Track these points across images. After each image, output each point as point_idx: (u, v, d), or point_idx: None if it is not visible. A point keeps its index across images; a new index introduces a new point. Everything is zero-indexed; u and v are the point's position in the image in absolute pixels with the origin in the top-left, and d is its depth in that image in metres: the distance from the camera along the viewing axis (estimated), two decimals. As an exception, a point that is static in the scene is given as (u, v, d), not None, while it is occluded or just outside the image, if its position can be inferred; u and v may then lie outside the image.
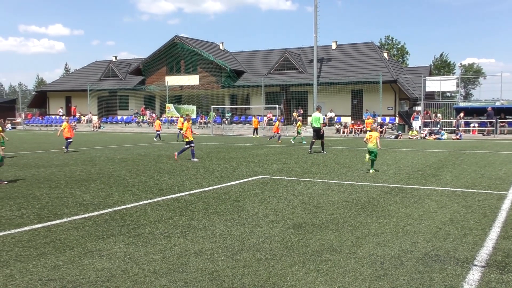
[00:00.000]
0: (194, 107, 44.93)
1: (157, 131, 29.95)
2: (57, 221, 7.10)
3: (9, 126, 51.79)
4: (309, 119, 41.71)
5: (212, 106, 41.01)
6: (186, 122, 16.39)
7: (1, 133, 15.51)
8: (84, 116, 52.60)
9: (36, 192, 9.65)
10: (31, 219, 7.27)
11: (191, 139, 16.05)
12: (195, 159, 15.84)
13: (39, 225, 6.85)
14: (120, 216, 7.46)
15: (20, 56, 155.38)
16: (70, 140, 20.17)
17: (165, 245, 5.83)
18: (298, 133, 28.05)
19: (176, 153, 16.41)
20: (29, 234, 6.39)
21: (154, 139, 28.99)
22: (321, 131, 19.21)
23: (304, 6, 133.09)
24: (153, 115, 48.87)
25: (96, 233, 6.42)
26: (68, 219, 7.26)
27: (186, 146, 16.14)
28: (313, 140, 19.42)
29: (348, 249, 5.68)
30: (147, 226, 6.81)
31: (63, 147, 20.04)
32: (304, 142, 25.98)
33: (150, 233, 6.39)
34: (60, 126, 23.52)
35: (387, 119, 38.79)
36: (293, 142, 26.51)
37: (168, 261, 5.24)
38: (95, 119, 51.57)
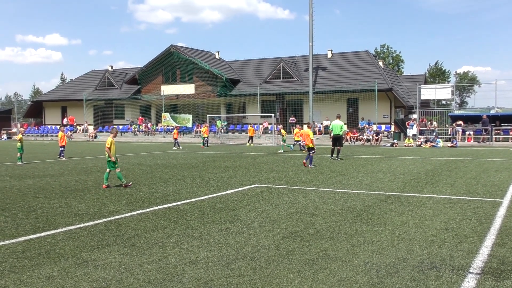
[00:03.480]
0: (190, 116, 44.96)
1: (175, 139, 31.26)
2: (52, 232, 7.07)
3: (4, 136, 51.66)
4: (305, 127, 41.91)
5: (208, 115, 41.05)
6: (309, 129, 17.64)
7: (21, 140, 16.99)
8: (80, 126, 52.53)
9: (31, 203, 9.61)
10: (26, 229, 7.24)
11: (312, 146, 16.83)
12: (312, 166, 16.48)
13: (34, 236, 6.82)
14: (115, 226, 7.44)
15: (17, 66, 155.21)
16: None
17: (160, 255, 5.81)
18: (283, 141, 28.71)
19: (305, 160, 16.81)
20: (23, 244, 6.36)
21: (173, 147, 30.33)
22: (343, 138, 20.07)
23: (302, 15, 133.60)
24: (149, 124, 48.85)
25: (91, 243, 6.40)
26: (63, 229, 7.23)
27: (310, 153, 16.77)
28: (333, 147, 20.00)
29: (343, 257, 5.67)
30: (142, 235, 6.79)
31: (61, 157, 21.54)
32: (291, 148, 27.55)
33: (145, 243, 6.38)
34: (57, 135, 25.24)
35: (383, 127, 38.91)
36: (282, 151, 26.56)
37: (163, 270, 5.22)
38: (91, 128, 51.49)
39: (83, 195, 10.57)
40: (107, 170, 11.88)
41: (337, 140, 19.95)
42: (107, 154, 11.86)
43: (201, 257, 5.71)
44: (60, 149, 21.67)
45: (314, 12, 38.98)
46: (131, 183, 11.76)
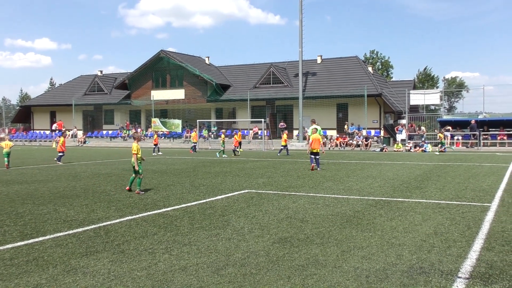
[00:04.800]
0: (179, 122, 44.86)
1: (155, 144, 30.62)
2: (40, 238, 7.00)
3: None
4: (295, 132, 42.01)
5: (198, 121, 41.01)
6: (313, 133, 18.30)
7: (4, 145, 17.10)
8: (69, 131, 52.13)
9: (19, 209, 9.51)
10: (14, 236, 7.16)
11: (317, 151, 17.61)
12: (319, 168, 17.38)
13: (22, 243, 6.75)
14: (105, 232, 7.39)
15: (5, 70, 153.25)
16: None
17: (150, 261, 5.78)
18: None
19: (317, 168, 17.38)
20: (11, 252, 6.29)
21: (159, 153, 29.76)
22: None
23: (293, 20, 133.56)
24: (139, 129, 48.64)
25: (80, 250, 6.35)
26: (52, 236, 7.17)
27: (312, 157, 17.52)
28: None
29: (333, 263, 5.68)
30: (131, 242, 6.75)
31: (57, 161, 21.80)
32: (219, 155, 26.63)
33: (134, 249, 6.34)
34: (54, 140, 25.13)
35: (372, 132, 39.11)
36: (218, 156, 26.59)
37: (152, 277, 5.19)
38: (80, 133, 51.16)
39: (72, 201, 10.49)
40: (134, 175, 11.91)
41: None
42: (133, 160, 11.79)
43: (191, 263, 5.69)
44: (59, 154, 21.91)
45: (305, 18, 39.38)
46: (136, 191, 11.58)
